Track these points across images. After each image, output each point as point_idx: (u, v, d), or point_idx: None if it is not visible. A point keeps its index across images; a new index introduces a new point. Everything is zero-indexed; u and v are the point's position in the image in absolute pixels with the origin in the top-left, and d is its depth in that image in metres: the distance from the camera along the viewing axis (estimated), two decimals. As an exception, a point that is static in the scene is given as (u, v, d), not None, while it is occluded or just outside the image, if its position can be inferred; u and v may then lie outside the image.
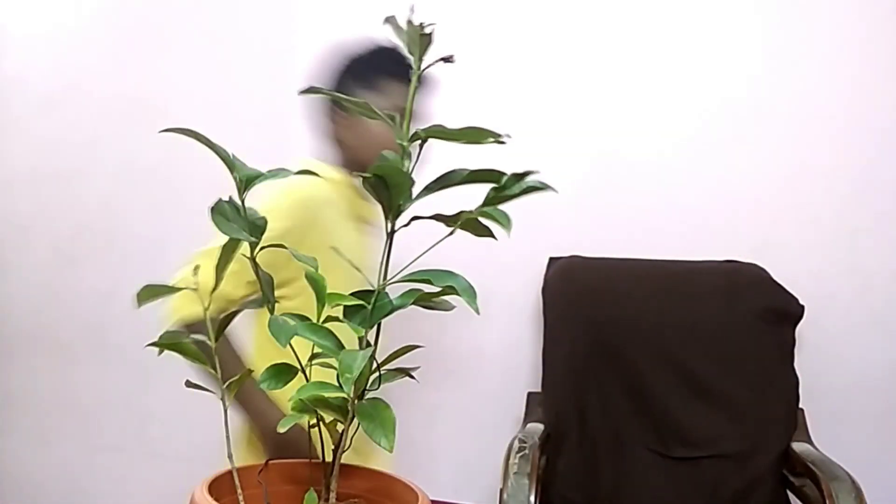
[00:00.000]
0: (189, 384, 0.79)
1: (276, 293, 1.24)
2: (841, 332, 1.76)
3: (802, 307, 1.68)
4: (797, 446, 1.58)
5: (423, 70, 0.72)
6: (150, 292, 0.72)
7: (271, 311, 0.77)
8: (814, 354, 1.72)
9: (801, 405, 1.66)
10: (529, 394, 1.82)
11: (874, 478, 1.31)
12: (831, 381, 1.74)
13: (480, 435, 1.90)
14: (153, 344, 0.75)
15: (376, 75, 1.35)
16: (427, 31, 0.69)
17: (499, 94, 1.94)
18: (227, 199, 0.73)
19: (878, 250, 1.76)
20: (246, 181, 0.72)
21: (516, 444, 1.51)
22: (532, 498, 1.38)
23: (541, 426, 1.66)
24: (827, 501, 1.29)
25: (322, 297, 0.74)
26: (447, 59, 0.72)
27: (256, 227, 0.74)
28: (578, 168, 1.88)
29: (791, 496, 1.57)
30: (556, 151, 1.85)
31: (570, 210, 1.83)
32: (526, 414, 1.77)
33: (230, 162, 0.72)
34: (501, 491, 1.42)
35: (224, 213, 0.72)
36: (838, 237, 1.76)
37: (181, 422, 2.13)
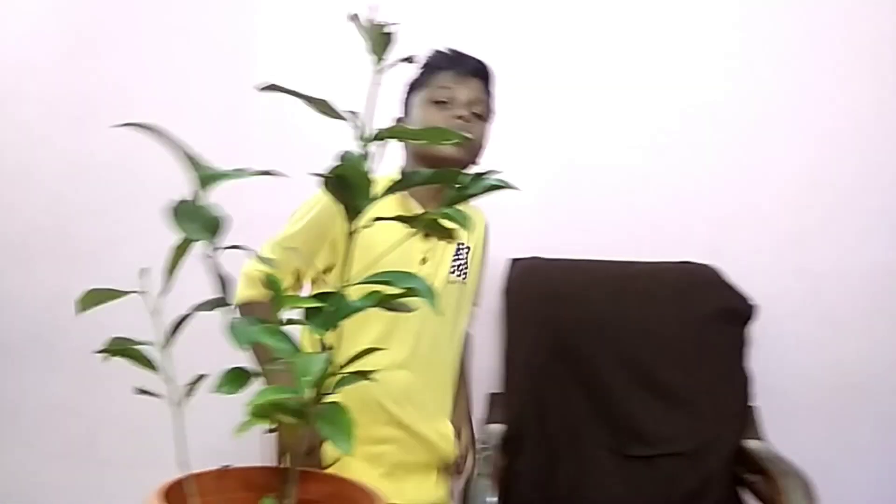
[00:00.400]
0: (138, 391, 0.77)
1: (324, 277, 1.42)
2: (792, 331, 1.81)
3: (754, 307, 1.72)
4: (750, 443, 1.61)
5: (385, 69, 0.71)
6: (93, 298, 0.70)
7: (227, 313, 0.76)
8: (766, 353, 1.76)
9: (753, 403, 1.70)
10: (490, 395, 1.82)
11: (824, 474, 1.35)
12: (783, 379, 1.78)
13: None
14: (101, 351, 0.73)
15: (427, 75, 1.49)
16: (388, 30, 0.69)
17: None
18: (185, 198, 0.71)
19: (827, 251, 1.81)
20: (206, 180, 0.71)
21: (477, 446, 1.51)
22: (492, 498, 1.38)
23: (501, 427, 1.66)
24: (778, 498, 1.31)
25: (280, 299, 0.73)
26: (409, 60, 0.71)
27: (216, 225, 0.72)
28: (540, 171, 1.89)
29: (744, 492, 1.60)
30: (517, 154, 1.86)
31: (531, 212, 1.85)
32: (488, 414, 1.78)
33: (190, 160, 0.70)
34: (462, 492, 1.42)
35: (183, 212, 0.70)
36: (789, 239, 1.81)
37: (132, 428, 2.08)
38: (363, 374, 0.78)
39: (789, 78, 1.84)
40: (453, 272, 1.49)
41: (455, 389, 1.55)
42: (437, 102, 1.45)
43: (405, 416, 1.42)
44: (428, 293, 0.70)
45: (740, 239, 1.71)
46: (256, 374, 0.76)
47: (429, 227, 0.71)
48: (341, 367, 0.75)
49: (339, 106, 0.72)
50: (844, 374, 1.79)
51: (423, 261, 1.46)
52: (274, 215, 1.94)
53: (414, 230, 1.36)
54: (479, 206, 1.58)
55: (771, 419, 1.65)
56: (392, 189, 0.71)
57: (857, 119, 1.81)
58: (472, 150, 1.46)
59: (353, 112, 0.72)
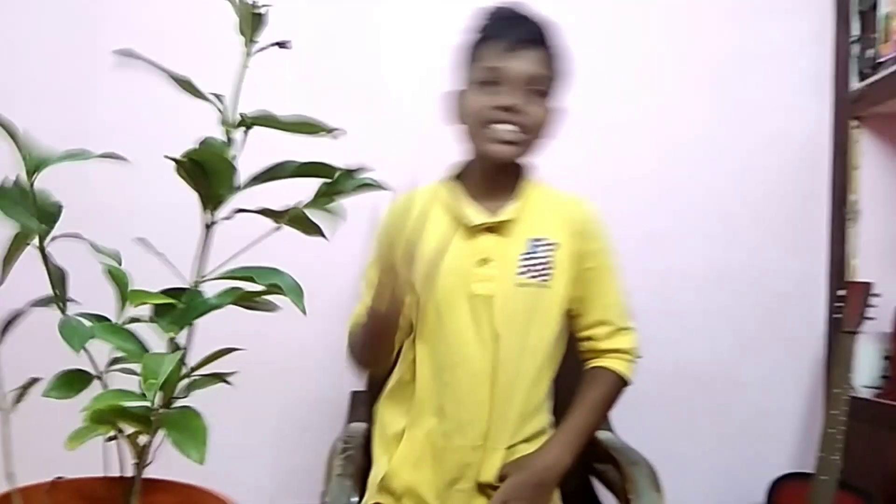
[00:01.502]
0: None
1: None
2: (639, 327, 1.89)
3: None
4: (600, 434, 1.68)
5: (255, 52, 0.66)
6: None
7: (62, 310, 0.68)
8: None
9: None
10: (353, 393, 1.79)
11: (667, 461, 1.42)
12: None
13: (302, 437, 1.84)
14: None
15: (478, 45, 1.23)
16: (260, 10, 0.64)
17: (338, 88, 1.87)
18: (10, 183, 0.63)
19: (673, 251, 1.92)
20: (38, 163, 0.63)
21: (339, 445, 1.47)
22: (354, 499, 1.35)
23: (364, 425, 1.64)
24: (626, 485, 1.38)
25: (124, 295, 0.67)
26: (282, 45, 0.67)
27: (48, 214, 0.65)
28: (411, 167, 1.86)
29: (595, 481, 1.67)
30: (389, 151, 1.83)
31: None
32: (350, 413, 1.74)
33: (15, 139, 0.63)
34: (323, 493, 1.38)
35: (9, 198, 0.62)
36: (637, 239, 1.90)
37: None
38: (219, 377, 0.73)
39: (642, 88, 1.93)
40: (524, 273, 1.22)
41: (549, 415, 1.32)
42: (485, 83, 1.19)
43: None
44: (294, 291, 0.66)
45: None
46: (95, 377, 0.69)
47: (295, 223, 0.67)
48: (193, 368, 0.70)
49: (206, 88, 0.67)
50: (685, 368, 1.91)
51: (484, 261, 1.23)
52: (123, 205, 1.81)
53: (463, 230, 1.19)
54: (583, 196, 1.36)
55: (620, 411, 1.73)
56: (256, 179, 0.66)
57: (704, 130, 1.93)
58: (533, 138, 1.22)
59: (217, 95, 0.66)
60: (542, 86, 1.20)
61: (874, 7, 1.74)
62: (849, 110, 1.84)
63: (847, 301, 1.65)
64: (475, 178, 1.28)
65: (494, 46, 1.20)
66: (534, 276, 1.23)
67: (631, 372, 1.32)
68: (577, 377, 1.34)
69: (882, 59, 1.71)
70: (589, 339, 1.31)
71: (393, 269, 1.08)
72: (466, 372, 1.23)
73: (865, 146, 1.84)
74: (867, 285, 1.65)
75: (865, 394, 1.74)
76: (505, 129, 1.18)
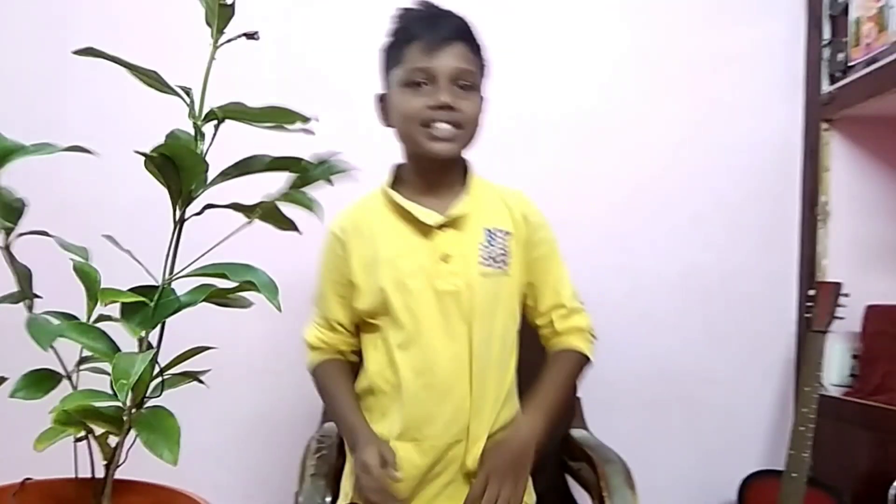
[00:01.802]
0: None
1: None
2: (613, 328, 1.91)
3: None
4: (575, 433, 1.69)
5: (223, 44, 0.65)
6: None
7: (28, 308, 0.67)
8: (590, 347, 1.85)
9: (578, 394, 1.78)
10: (327, 392, 1.78)
11: (640, 457, 1.44)
12: (604, 372, 1.87)
13: (276, 437, 1.82)
14: None
15: (398, 47, 1.24)
16: (227, 0, 0.63)
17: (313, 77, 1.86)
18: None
19: (646, 252, 1.94)
20: (2, 156, 0.61)
21: (314, 445, 1.46)
22: (328, 499, 1.34)
23: (338, 425, 1.62)
24: (601, 482, 1.38)
25: (93, 293, 0.65)
26: (250, 36, 0.66)
27: (12, 210, 0.63)
28: (388, 160, 1.84)
29: (569, 479, 1.68)
30: (366, 143, 1.81)
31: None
32: (324, 413, 1.73)
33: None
34: (297, 494, 1.36)
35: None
36: (612, 240, 1.92)
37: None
38: (192, 376, 0.72)
39: (616, 89, 1.94)
40: (485, 262, 1.24)
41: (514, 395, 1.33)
42: (414, 85, 1.20)
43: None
44: (268, 287, 0.65)
45: (568, 238, 1.78)
46: (64, 377, 0.68)
47: (267, 216, 0.65)
48: (165, 367, 0.69)
49: (175, 81, 0.66)
50: (658, 368, 1.93)
51: (446, 258, 1.24)
52: (92, 201, 1.78)
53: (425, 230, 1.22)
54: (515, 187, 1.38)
55: (594, 410, 1.74)
56: (227, 174, 0.65)
57: (677, 131, 1.95)
58: (468, 133, 1.23)
59: (185, 88, 0.65)
60: (469, 80, 1.22)
61: (845, 11, 1.77)
62: (820, 113, 1.86)
63: (817, 301, 1.67)
64: (415, 179, 1.30)
65: (416, 47, 1.21)
66: (494, 265, 1.26)
67: (591, 351, 1.35)
68: (539, 365, 1.35)
69: (852, 63, 1.73)
70: (548, 324, 1.34)
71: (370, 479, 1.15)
72: (444, 369, 1.23)
73: (836, 148, 1.87)
74: (837, 285, 1.68)
75: (835, 392, 1.77)
76: (443, 128, 1.20)
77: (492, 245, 1.26)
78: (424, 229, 1.26)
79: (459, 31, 1.23)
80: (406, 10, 1.26)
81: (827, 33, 1.85)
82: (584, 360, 1.35)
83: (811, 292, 1.71)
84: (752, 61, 1.94)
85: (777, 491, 1.59)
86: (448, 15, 1.24)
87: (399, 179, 1.32)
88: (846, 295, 1.66)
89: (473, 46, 1.25)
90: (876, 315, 1.71)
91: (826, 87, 1.84)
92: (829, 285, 1.69)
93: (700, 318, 1.91)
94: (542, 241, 1.34)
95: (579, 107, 1.91)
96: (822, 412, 1.59)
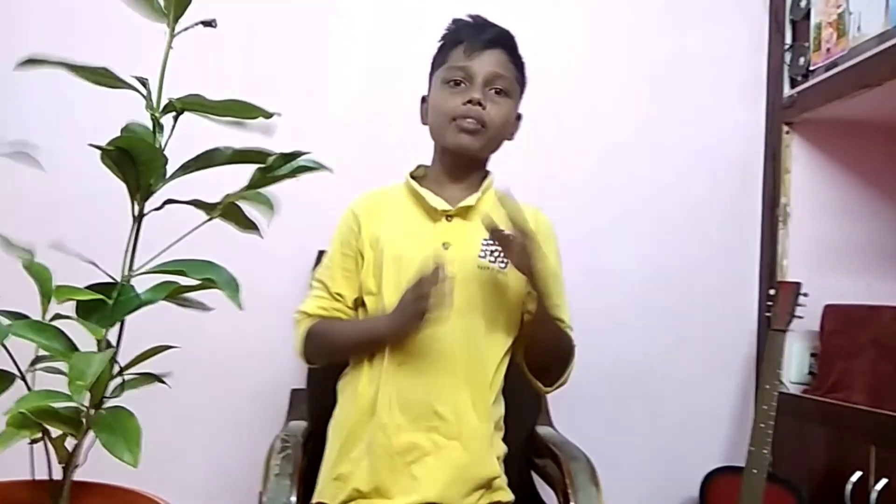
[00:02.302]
0: None
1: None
2: (577, 326, 1.89)
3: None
4: (540, 429, 1.69)
5: (180, 32, 0.63)
6: None
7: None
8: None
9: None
10: (293, 391, 1.76)
11: (604, 453, 1.45)
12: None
13: (239, 436, 1.80)
14: None
15: (445, 50, 1.34)
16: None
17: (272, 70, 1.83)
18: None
19: (610, 251, 1.96)
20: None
21: (278, 444, 1.44)
22: (293, 498, 1.33)
23: (304, 423, 1.61)
24: (566, 479, 1.39)
25: (46, 290, 0.63)
26: (208, 24, 0.64)
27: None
28: (352, 158, 1.83)
29: (535, 476, 1.69)
30: (330, 139, 1.80)
31: (342, 203, 1.78)
32: (289, 412, 1.71)
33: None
34: (261, 494, 1.35)
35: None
36: (579, 240, 1.93)
37: None
38: (153, 377, 0.70)
39: (581, 91, 1.94)
40: (485, 256, 1.29)
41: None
42: (452, 83, 1.29)
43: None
44: (229, 285, 0.64)
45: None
46: (18, 377, 0.66)
47: (228, 215, 0.64)
48: (125, 367, 0.67)
49: (130, 73, 0.64)
50: (622, 365, 1.94)
51: (447, 245, 1.29)
52: (49, 196, 1.73)
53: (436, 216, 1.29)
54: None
55: (560, 406, 1.75)
56: (187, 168, 0.64)
57: (642, 133, 1.96)
58: (490, 133, 1.30)
59: (141, 79, 0.63)
60: (502, 85, 1.30)
61: (807, 16, 1.80)
62: (781, 116, 1.90)
63: (777, 300, 1.71)
64: (438, 174, 1.36)
65: (459, 49, 1.30)
66: (493, 261, 1.29)
67: (573, 358, 1.38)
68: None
69: (813, 67, 1.77)
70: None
71: (420, 287, 1.15)
72: (438, 351, 1.26)
73: (796, 151, 1.91)
74: (796, 285, 1.71)
75: (794, 390, 1.81)
76: (469, 122, 1.27)
77: (494, 243, 1.28)
78: (434, 216, 1.33)
79: (501, 39, 1.32)
80: (458, 19, 1.36)
81: (789, 38, 1.89)
82: (569, 341, 1.37)
83: (771, 292, 1.75)
84: (715, 64, 1.98)
85: (738, 487, 1.61)
86: (494, 25, 1.34)
87: (423, 176, 1.40)
88: (805, 294, 1.69)
89: (513, 57, 1.33)
90: (833, 314, 1.75)
91: (787, 91, 1.88)
92: (789, 285, 1.72)
93: (663, 317, 1.94)
94: (546, 255, 1.33)
95: (542, 108, 1.91)
96: (782, 409, 1.62)
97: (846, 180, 1.93)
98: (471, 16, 1.36)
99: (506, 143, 1.33)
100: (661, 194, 1.96)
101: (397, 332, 1.20)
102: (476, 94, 1.26)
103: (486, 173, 1.39)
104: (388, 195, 1.39)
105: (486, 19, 1.35)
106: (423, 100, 1.38)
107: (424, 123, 1.38)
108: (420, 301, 1.14)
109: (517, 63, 1.34)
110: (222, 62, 1.75)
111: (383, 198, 1.39)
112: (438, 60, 1.35)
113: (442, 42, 1.35)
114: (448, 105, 1.28)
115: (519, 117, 1.39)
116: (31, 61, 0.60)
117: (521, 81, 1.36)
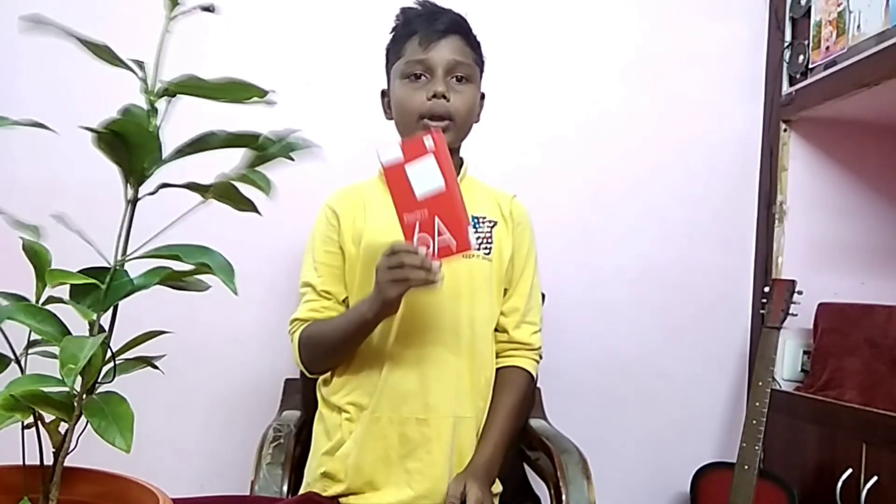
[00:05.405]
0: None
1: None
2: (572, 321, 1.93)
3: (542, 296, 1.82)
4: (533, 422, 1.70)
5: (177, 15, 0.63)
6: None
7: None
8: (549, 339, 1.87)
9: (537, 385, 1.80)
10: (287, 380, 1.76)
11: (598, 449, 1.45)
12: (563, 363, 1.90)
13: (232, 425, 1.80)
14: None
15: (399, 42, 1.30)
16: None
17: (271, 53, 1.82)
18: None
19: (605, 248, 1.96)
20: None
21: (271, 434, 1.44)
22: (285, 488, 1.33)
23: (297, 413, 1.61)
24: (558, 472, 1.39)
25: (42, 273, 0.63)
26: (207, 8, 0.64)
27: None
28: (352, 147, 1.83)
29: (527, 468, 1.69)
30: (327, 128, 1.79)
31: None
32: (282, 401, 1.71)
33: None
34: (252, 483, 1.35)
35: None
36: (574, 237, 1.93)
37: None
38: (145, 361, 0.70)
39: (578, 87, 1.94)
40: None
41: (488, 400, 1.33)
42: (412, 77, 1.26)
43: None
44: (224, 270, 0.63)
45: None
46: (13, 360, 0.65)
47: (222, 195, 0.63)
48: (117, 352, 0.66)
49: (132, 55, 0.63)
50: (616, 360, 1.95)
51: None
52: (43, 179, 1.72)
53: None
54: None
55: (553, 400, 1.75)
56: (182, 151, 0.63)
57: (640, 129, 1.96)
58: (459, 124, 1.28)
59: (138, 61, 0.62)
60: (463, 72, 1.27)
61: (807, 14, 1.80)
62: (779, 113, 1.90)
63: (771, 297, 1.71)
64: None
65: (414, 41, 1.27)
66: (477, 248, 1.29)
67: (536, 371, 1.39)
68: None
69: (812, 65, 1.76)
70: (503, 326, 1.36)
71: (392, 255, 1.11)
72: (427, 342, 1.25)
73: (794, 149, 1.91)
74: (791, 283, 1.71)
75: (787, 387, 1.81)
76: (435, 122, 1.25)
77: (477, 230, 1.30)
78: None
79: (455, 26, 1.28)
80: (407, 8, 1.33)
81: (789, 35, 1.89)
82: (532, 383, 1.39)
83: (766, 289, 1.75)
84: (714, 61, 1.97)
85: (729, 482, 1.62)
86: (445, 11, 1.30)
87: None
88: (800, 292, 1.70)
89: (469, 41, 1.30)
90: (827, 312, 1.75)
91: (786, 89, 1.88)
92: (784, 283, 1.73)
93: (657, 313, 1.94)
94: (522, 245, 1.37)
95: (542, 102, 1.92)
96: (774, 406, 1.63)
97: (843, 179, 1.93)
98: (419, 3, 1.32)
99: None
100: (658, 190, 1.96)
101: (380, 306, 1.16)
102: (439, 86, 1.24)
103: (461, 160, 1.37)
104: (363, 189, 1.36)
105: (436, 5, 1.32)
106: (384, 94, 1.36)
107: (389, 119, 1.35)
108: (394, 270, 1.11)
109: (474, 46, 1.31)
110: (220, 47, 1.74)
111: (358, 192, 1.36)
112: (393, 53, 1.31)
113: (394, 34, 1.32)
114: (413, 102, 1.26)
115: (482, 97, 1.36)
116: (36, 18, 0.59)
117: (480, 62, 1.33)
